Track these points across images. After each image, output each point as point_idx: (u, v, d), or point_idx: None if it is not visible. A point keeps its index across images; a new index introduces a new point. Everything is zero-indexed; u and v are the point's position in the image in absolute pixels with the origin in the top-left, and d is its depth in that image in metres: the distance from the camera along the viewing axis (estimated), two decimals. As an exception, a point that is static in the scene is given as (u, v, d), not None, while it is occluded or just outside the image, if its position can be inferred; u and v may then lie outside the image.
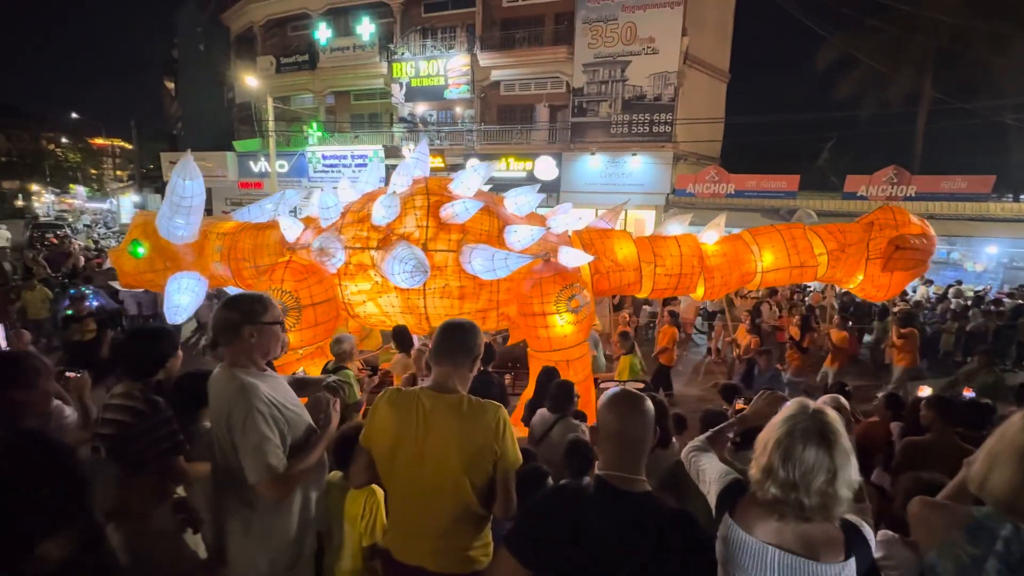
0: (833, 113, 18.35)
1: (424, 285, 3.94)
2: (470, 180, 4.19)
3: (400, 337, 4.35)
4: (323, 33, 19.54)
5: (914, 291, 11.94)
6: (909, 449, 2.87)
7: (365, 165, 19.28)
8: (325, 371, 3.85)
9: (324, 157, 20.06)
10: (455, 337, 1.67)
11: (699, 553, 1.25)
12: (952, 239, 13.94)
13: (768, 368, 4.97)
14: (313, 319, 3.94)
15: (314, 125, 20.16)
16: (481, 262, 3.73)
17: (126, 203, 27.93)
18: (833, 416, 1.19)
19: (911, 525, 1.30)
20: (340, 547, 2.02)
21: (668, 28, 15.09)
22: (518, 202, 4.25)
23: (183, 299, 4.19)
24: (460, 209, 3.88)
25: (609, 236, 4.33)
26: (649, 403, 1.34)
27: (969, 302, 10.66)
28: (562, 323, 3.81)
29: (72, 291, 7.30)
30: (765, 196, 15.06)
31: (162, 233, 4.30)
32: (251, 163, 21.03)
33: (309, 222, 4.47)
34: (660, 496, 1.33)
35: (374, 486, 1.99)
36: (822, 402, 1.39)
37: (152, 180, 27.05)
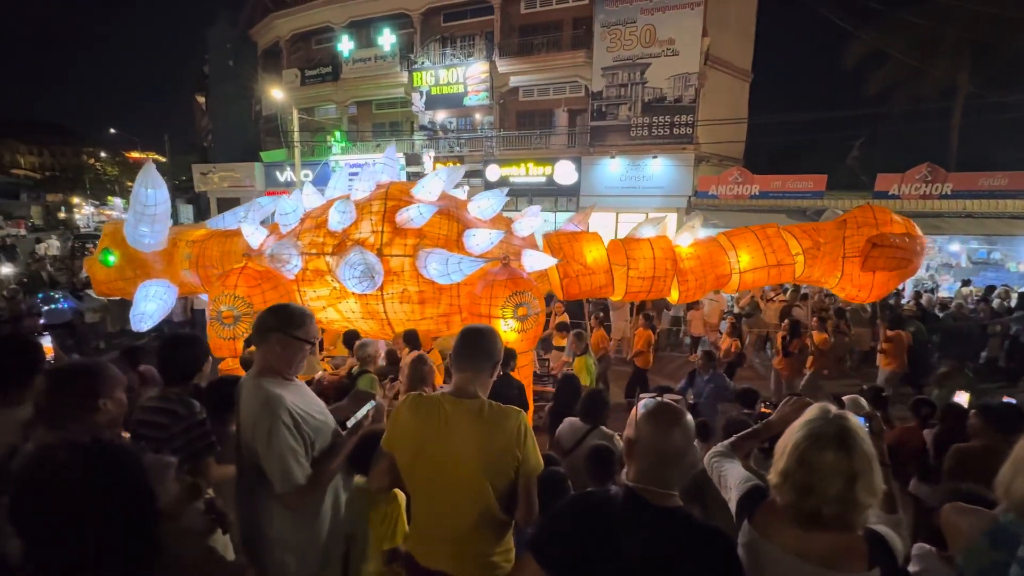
0: (862, 110, 17.85)
1: (382, 290, 3.94)
2: (432, 185, 4.19)
3: (410, 340, 4.41)
4: (346, 45, 20.01)
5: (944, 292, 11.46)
6: (959, 457, 2.76)
7: (387, 173, 19.61)
8: (349, 375, 3.92)
9: (347, 166, 20.49)
10: (475, 343, 1.68)
11: (731, 573, 1.19)
12: (992, 238, 13.34)
13: (706, 371, 4.85)
14: None
15: (337, 135, 20.63)
16: (436, 266, 3.73)
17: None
18: (854, 421, 1.16)
19: (943, 532, 1.26)
20: (365, 550, 2.04)
21: (688, 29, 14.93)
22: (481, 206, 4.24)
23: (150, 307, 4.19)
24: (415, 214, 3.88)
25: (578, 239, 4.29)
26: (689, 417, 1.28)
27: (1013, 303, 10.16)
28: (506, 329, 3.77)
29: (40, 295, 7.19)
30: (791, 197, 14.70)
31: (129, 242, 4.37)
32: (277, 173, 21.63)
33: (274, 229, 4.47)
34: (689, 509, 1.29)
35: (396, 490, 2.01)
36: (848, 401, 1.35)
37: (184, 191, 28.05)
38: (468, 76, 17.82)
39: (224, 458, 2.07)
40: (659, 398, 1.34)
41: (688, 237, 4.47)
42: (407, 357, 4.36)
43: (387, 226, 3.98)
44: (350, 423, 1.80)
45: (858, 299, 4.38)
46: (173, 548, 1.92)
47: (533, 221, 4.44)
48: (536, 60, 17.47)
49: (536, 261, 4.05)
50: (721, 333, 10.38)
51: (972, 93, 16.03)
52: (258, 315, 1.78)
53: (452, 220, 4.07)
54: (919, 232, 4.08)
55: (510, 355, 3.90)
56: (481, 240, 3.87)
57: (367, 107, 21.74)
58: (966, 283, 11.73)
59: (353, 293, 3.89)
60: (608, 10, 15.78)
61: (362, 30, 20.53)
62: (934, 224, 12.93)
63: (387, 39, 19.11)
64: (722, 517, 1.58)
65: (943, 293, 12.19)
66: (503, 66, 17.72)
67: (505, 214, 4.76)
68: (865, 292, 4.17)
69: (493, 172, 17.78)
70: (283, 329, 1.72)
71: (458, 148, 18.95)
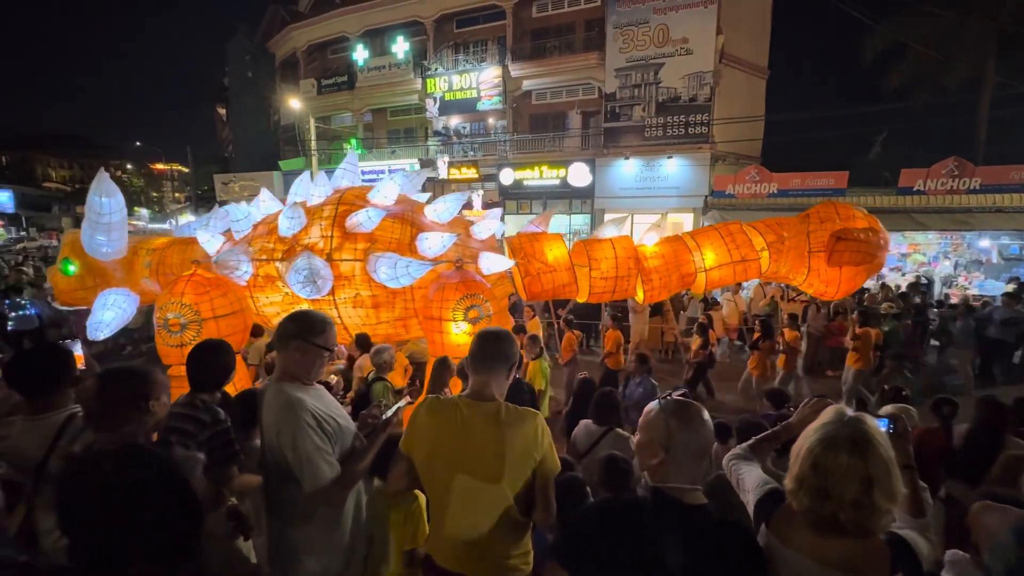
0: (883, 105, 17.41)
1: (334, 295, 3.94)
2: (387, 189, 4.19)
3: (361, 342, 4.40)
4: (360, 54, 20.35)
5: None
6: (1010, 465, 2.70)
7: (402, 179, 19.83)
8: (364, 381, 3.96)
9: (363, 172, 20.74)
10: (491, 346, 1.69)
11: (758, 565, 1.21)
12: (1025, 233, 12.88)
13: (638, 375, 4.77)
14: (216, 331, 3.88)
15: (353, 142, 20.94)
16: (386, 270, 3.73)
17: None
18: (871, 424, 1.13)
19: (972, 531, 1.23)
20: (384, 551, 2.06)
21: (702, 27, 14.80)
22: (437, 209, 4.24)
23: (107, 315, 4.13)
24: (364, 218, 3.87)
25: (539, 239, 4.30)
26: (707, 413, 1.32)
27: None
28: (457, 331, 3.76)
29: (7, 302, 7.25)
30: (811, 195, 14.40)
31: (87, 250, 4.37)
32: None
33: (231, 236, 4.46)
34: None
35: (417, 491, 2.03)
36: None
37: (207, 201, 28.79)
38: (481, 81, 17.94)
39: (247, 469, 2.11)
40: (670, 397, 1.34)
41: (654, 236, 4.46)
42: (360, 360, 4.42)
43: (337, 231, 3.99)
44: (384, 416, 1.83)
45: (826, 295, 4.34)
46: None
47: (492, 224, 4.44)
48: (549, 63, 17.51)
49: (493, 263, 4.06)
50: (735, 336, 10.25)
51: (1000, 83, 15.51)
52: (279, 322, 1.82)
53: (406, 224, 4.06)
54: (882, 227, 4.08)
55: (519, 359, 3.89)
56: (434, 243, 3.87)
57: (382, 114, 22.04)
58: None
59: (309, 298, 3.91)
60: (620, 11, 15.74)
61: (376, 39, 20.85)
62: (962, 220, 12.54)
63: (401, 47, 19.38)
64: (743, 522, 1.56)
65: (973, 291, 11.78)
66: (516, 70, 17.80)
67: (517, 217, 4.75)
68: (833, 288, 4.15)
69: (507, 176, 17.84)
70: (303, 336, 1.75)
71: (472, 152, 19.08)
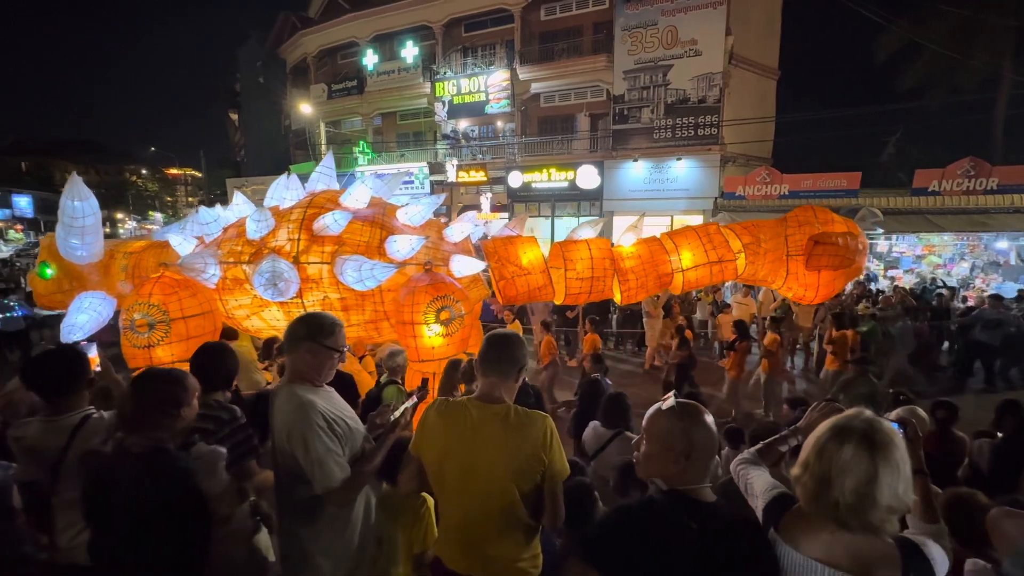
0: (897, 105, 17.19)
1: (301, 297, 3.94)
2: (359, 192, 4.21)
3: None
4: (370, 59, 20.53)
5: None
6: None
7: (411, 182, 19.98)
8: (377, 384, 3.98)
9: (373, 176, 20.91)
10: (500, 349, 1.70)
11: (769, 557, 1.24)
12: (1046, 234, 12.62)
13: (594, 372, 4.77)
14: (185, 332, 3.89)
15: (362, 146, 21.12)
16: (351, 272, 3.72)
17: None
18: (886, 426, 1.12)
19: (991, 538, 1.20)
20: (393, 553, 2.07)
21: (711, 29, 14.73)
22: (410, 212, 4.25)
23: (81, 318, 4.12)
24: (330, 221, 3.86)
25: (513, 242, 4.27)
26: (703, 413, 1.32)
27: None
28: (430, 334, 3.76)
29: None
30: (823, 196, 14.25)
31: (62, 254, 4.39)
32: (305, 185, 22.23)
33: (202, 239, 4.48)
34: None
35: (425, 495, 2.03)
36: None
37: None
38: (489, 84, 18.01)
39: (263, 467, 2.14)
40: (670, 399, 1.35)
41: (631, 237, 4.45)
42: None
43: (304, 234, 3.98)
44: (393, 417, 1.84)
45: (805, 299, 4.32)
46: (223, 548, 2.00)
47: (465, 227, 4.43)
48: (557, 66, 17.53)
49: (464, 266, 4.06)
50: (754, 338, 10.15)
51: (1017, 82, 15.25)
52: (289, 325, 1.83)
53: (375, 227, 4.05)
54: (860, 232, 4.11)
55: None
56: (402, 246, 3.85)
57: (391, 118, 22.21)
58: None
59: (274, 301, 3.91)
60: (628, 13, 15.72)
61: (386, 44, 21.03)
62: (980, 221, 12.32)
63: (410, 51, 19.54)
64: None
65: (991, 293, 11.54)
66: (524, 73, 17.85)
67: (529, 219, 4.75)
68: (812, 292, 4.16)
69: (515, 178, 17.87)
70: (313, 338, 1.76)
71: (480, 156, 19.15)
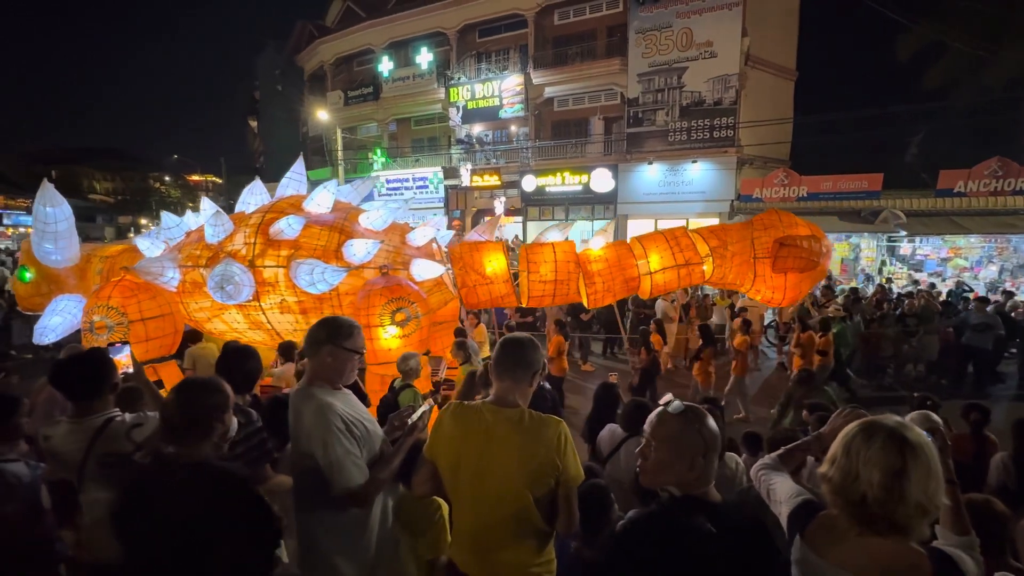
0: (920, 105, 16.77)
1: (259, 300, 3.97)
2: (321, 197, 4.25)
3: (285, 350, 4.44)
4: (385, 65, 20.81)
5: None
6: None
7: (426, 187, 20.15)
8: (392, 388, 4.00)
9: (388, 181, 21.17)
10: (514, 352, 1.69)
11: (775, 552, 1.25)
12: (1076, 236, 12.19)
13: (561, 373, 4.80)
14: (144, 334, 3.96)
15: (378, 151, 21.37)
16: (304, 276, 3.76)
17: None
18: (918, 430, 1.10)
19: (1018, 546, 1.16)
20: (409, 558, 2.07)
21: (727, 30, 14.60)
22: (371, 217, 4.27)
23: (54, 320, 4.21)
24: (284, 226, 3.92)
25: (479, 249, 4.29)
26: (706, 417, 1.33)
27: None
28: (387, 336, 3.77)
29: None
30: (843, 198, 13.98)
31: (38, 258, 4.50)
32: (323, 190, 22.57)
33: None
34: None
35: (440, 500, 2.03)
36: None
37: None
38: (503, 89, 18.09)
39: (278, 471, 2.16)
40: (666, 403, 1.35)
41: (600, 240, 4.46)
42: (283, 368, 4.44)
43: (260, 238, 4.03)
44: (410, 421, 1.85)
45: (773, 302, 4.36)
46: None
47: (428, 231, 4.48)
48: (571, 70, 17.54)
49: (424, 270, 4.10)
50: (770, 340, 9.98)
51: (1047, 80, 14.76)
52: (309, 328, 1.86)
53: (334, 231, 4.09)
54: (824, 235, 4.17)
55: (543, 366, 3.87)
56: (359, 250, 3.89)
57: (406, 124, 22.44)
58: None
59: (226, 303, 3.97)
60: (643, 16, 15.67)
61: (401, 50, 21.29)
62: (1008, 223, 11.95)
63: (424, 57, 19.74)
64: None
65: (1021, 297, 11.18)
66: (538, 77, 17.89)
67: (539, 223, 4.75)
68: (779, 294, 4.20)
69: (529, 182, 17.90)
70: (333, 341, 1.78)
71: (494, 160, 19.22)
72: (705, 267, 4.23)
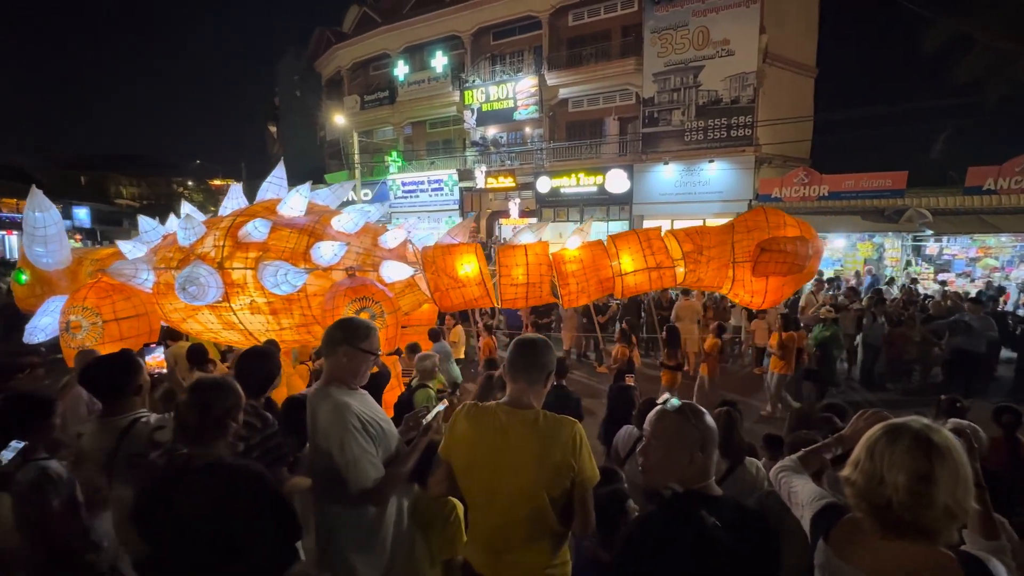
0: (946, 100, 16.30)
1: (229, 301, 4.05)
2: (294, 201, 4.34)
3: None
4: (401, 70, 21.04)
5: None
6: None
7: (441, 189, 20.29)
8: (408, 388, 4.04)
9: (403, 184, 21.38)
10: (528, 353, 1.69)
11: (774, 548, 1.26)
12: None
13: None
14: (118, 334, 4.09)
15: (394, 154, 21.59)
16: (269, 277, 3.83)
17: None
18: (946, 433, 1.06)
19: None
20: (423, 557, 2.09)
21: (744, 28, 14.40)
22: (342, 220, 4.35)
23: (44, 320, 4.36)
24: (251, 229, 4.00)
25: (452, 252, 4.30)
26: (703, 415, 1.35)
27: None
28: None
29: None
30: (866, 196, 13.64)
31: (31, 261, 4.65)
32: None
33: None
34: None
35: (455, 500, 2.04)
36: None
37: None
38: (518, 91, 18.13)
39: (295, 474, 2.19)
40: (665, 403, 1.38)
41: (576, 240, 4.43)
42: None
43: (229, 240, 4.12)
44: (425, 421, 1.86)
45: (752, 305, 4.26)
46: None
47: (400, 234, 4.55)
48: (585, 70, 17.50)
49: (394, 271, 4.17)
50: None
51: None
52: (326, 329, 1.89)
53: (303, 234, 4.16)
54: (815, 234, 3.97)
55: (562, 366, 3.87)
56: (326, 252, 3.96)
57: (421, 127, 22.64)
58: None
59: (206, 305, 4.06)
60: (658, 15, 15.55)
61: (416, 54, 21.50)
62: (1042, 221, 11.53)
63: (439, 61, 19.91)
64: (796, 544, 1.48)
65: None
66: (552, 79, 17.89)
67: (554, 225, 4.77)
68: (759, 297, 4.09)
69: (544, 184, 17.89)
70: (349, 342, 1.80)
71: (509, 162, 19.26)
72: (678, 271, 4.18)
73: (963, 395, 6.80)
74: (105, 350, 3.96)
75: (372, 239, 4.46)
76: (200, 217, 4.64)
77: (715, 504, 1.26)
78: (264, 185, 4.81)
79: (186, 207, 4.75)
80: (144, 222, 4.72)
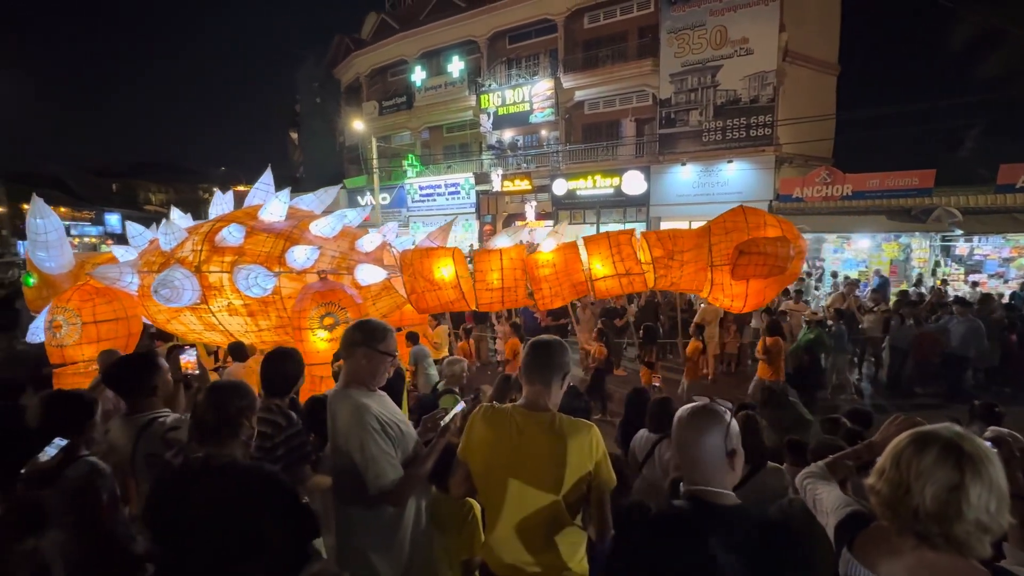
0: (975, 96, 15.76)
1: (207, 303, 4.17)
2: (273, 207, 4.49)
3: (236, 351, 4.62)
4: (418, 75, 21.28)
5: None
6: None
7: (457, 192, 20.43)
8: (434, 391, 4.09)
9: (420, 188, 21.59)
10: (543, 355, 1.70)
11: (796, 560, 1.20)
12: None
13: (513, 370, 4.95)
14: (96, 335, 4.27)
15: (411, 159, 21.83)
16: (241, 280, 3.94)
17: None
18: (979, 440, 1.00)
19: None
20: (441, 557, 2.11)
21: (763, 26, 14.18)
22: (320, 225, 4.45)
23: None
24: (226, 234, 4.14)
25: (429, 255, 4.33)
26: (719, 415, 1.30)
27: None
28: (315, 339, 3.90)
29: None
30: (892, 196, 13.27)
31: (36, 265, 4.88)
32: (358, 198, 23.29)
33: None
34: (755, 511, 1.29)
35: (472, 501, 2.06)
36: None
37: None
38: (533, 94, 18.17)
39: (317, 471, 2.25)
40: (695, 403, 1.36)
41: (551, 243, 4.42)
42: (232, 368, 4.58)
43: (206, 245, 4.28)
44: (443, 423, 1.89)
45: (733, 308, 4.12)
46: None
47: (376, 237, 4.66)
48: (601, 72, 17.44)
49: (368, 274, 4.25)
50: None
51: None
52: (344, 331, 1.92)
53: (280, 238, 4.29)
54: (798, 235, 3.81)
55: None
56: (299, 256, 4.07)
57: (438, 131, 22.85)
58: None
59: (187, 307, 4.21)
60: (675, 16, 15.43)
61: (433, 60, 21.73)
62: (1079, 219, 11.06)
63: (456, 66, 20.08)
64: (820, 552, 1.46)
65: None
66: (568, 81, 17.88)
67: (571, 227, 4.78)
68: (739, 301, 3.96)
69: (560, 186, 17.87)
70: (368, 343, 1.83)
71: (525, 165, 19.29)
72: (648, 276, 4.13)
73: (997, 400, 6.63)
74: (83, 350, 4.27)
75: (349, 243, 4.59)
76: (188, 223, 4.85)
77: (712, 511, 1.22)
78: (252, 191, 4.99)
79: (174, 213, 4.97)
80: (132, 228, 4.96)
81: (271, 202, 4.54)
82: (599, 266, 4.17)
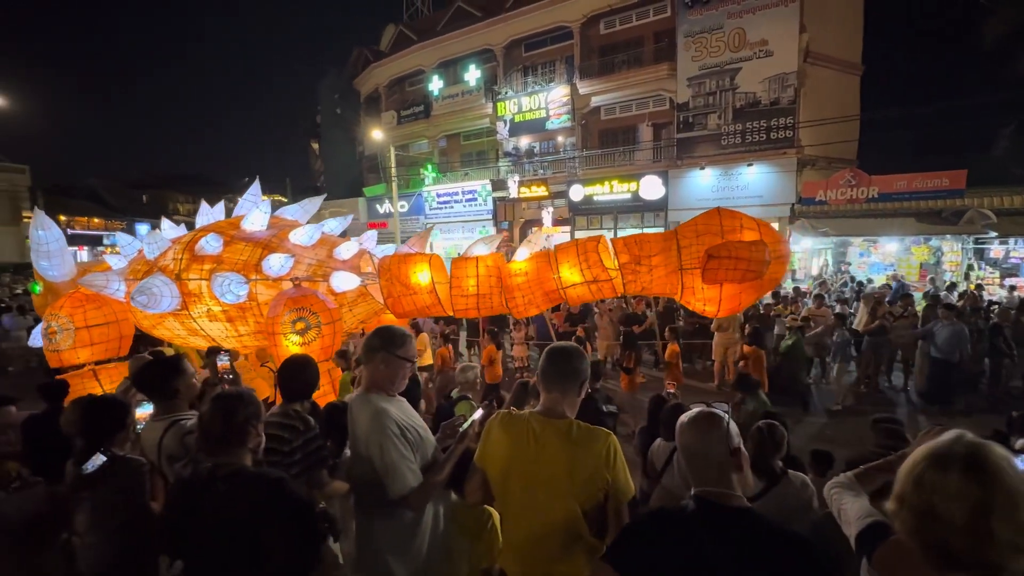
0: (1008, 94, 15.22)
1: (188, 309, 4.32)
2: (255, 217, 4.63)
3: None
4: (435, 84, 21.58)
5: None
6: None
7: (475, 199, 20.58)
8: (448, 398, 4.12)
9: (438, 195, 21.82)
10: (561, 362, 1.69)
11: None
12: None
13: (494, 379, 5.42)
14: (88, 339, 4.50)
15: (429, 167, 22.10)
16: (216, 287, 4.08)
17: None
18: (997, 450, 0.94)
19: None
20: (460, 563, 2.11)
21: (783, 28, 13.99)
22: (299, 234, 4.58)
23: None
24: (204, 243, 4.29)
25: (407, 261, 4.38)
26: (717, 417, 1.31)
27: None
28: (288, 344, 3.96)
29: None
30: (921, 197, 12.88)
31: (40, 274, 5.12)
32: (377, 206, 23.67)
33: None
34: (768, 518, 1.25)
35: (491, 508, 2.06)
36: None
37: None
38: (550, 101, 18.23)
39: (334, 476, 2.28)
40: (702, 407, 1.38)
41: (524, 252, 4.42)
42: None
43: (187, 253, 4.45)
44: (461, 428, 1.90)
45: (708, 313, 3.98)
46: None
47: (353, 245, 4.77)
48: (617, 78, 17.41)
49: (343, 281, 4.38)
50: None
51: None
52: (365, 337, 1.96)
53: (258, 247, 4.43)
54: (777, 238, 3.65)
55: (598, 371, 3.84)
56: (274, 263, 4.19)
57: (456, 139, 23.09)
58: None
59: (169, 313, 4.37)
60: (692, 19, 15.33)
61: (450, 69, 22.02)
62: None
63: (472, 75, 20.29)
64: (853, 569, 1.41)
65: None
66: (584, 87, 17.89)
67: (588, 233, 4.78)
68: (713, 305, 3.82)
69: (577, 192, 17.84)
70: (387, 349, 1.86)
71: (542, 171, 19.34)
72: (616, 282, 4.08)
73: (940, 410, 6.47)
74: (77, 354, 4.51)
75: (328, 251, 4.73)
76: (177, 232, 5.08)
77: (717, 511, 1.20)
78: (240, 202, 5.18)
79: (164, 223, 5.21)
80: (122, 237, 5.25)
81: (252, 213, 4.73)
82: (568, 274, 4.19)
